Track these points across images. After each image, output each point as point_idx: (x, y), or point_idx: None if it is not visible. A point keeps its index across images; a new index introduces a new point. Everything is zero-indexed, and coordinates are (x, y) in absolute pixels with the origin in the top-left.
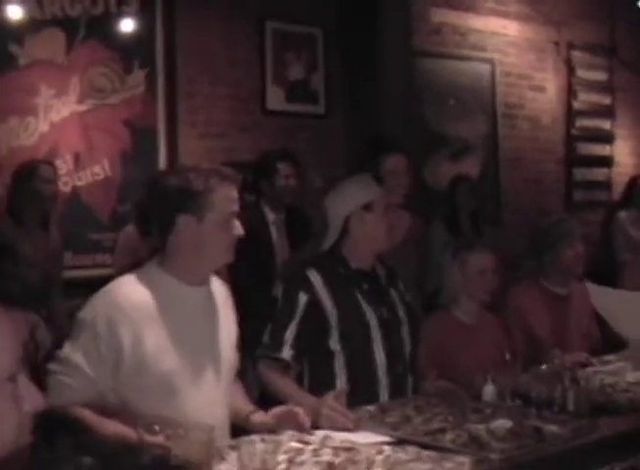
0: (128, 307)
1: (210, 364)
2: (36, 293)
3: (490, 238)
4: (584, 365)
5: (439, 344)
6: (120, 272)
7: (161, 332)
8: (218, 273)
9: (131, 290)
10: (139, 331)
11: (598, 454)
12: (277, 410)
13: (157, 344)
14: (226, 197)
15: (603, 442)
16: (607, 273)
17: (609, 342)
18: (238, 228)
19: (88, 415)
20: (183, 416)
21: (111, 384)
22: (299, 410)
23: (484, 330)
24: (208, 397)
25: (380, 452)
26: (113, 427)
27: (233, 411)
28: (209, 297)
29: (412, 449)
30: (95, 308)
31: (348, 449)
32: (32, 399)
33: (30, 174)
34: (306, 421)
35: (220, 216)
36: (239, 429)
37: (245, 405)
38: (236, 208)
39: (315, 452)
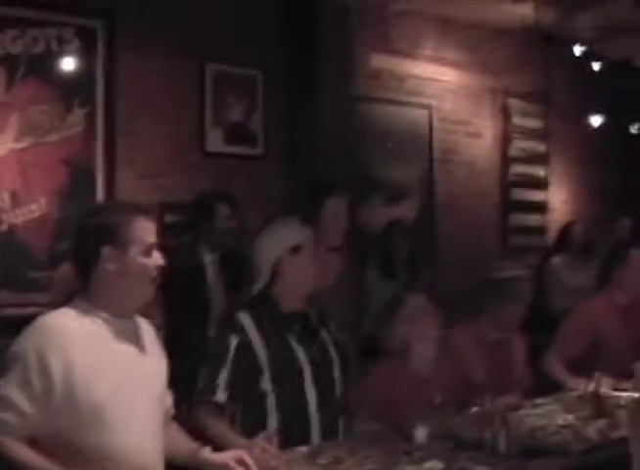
0: (58, 337)
1: (141, 397)
2: None
3: (426, 281)
4: (516, 408)
5: (386, 394)
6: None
7: (91, 362)
8: (151, 314)
9: (61, 321)
10: (69, 360)
11: None
12: (228, 454)
13: (86, 374)
14: (145, 229)
15: None
16: (539, 318)
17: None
18: (159, 259)
19: (23, 453)
20: (115, 448)
21: (43, 416)
22: (249, 458)
23: (436, 381)
24: (140, 429)
25: None
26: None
27: (175, 450)
28: (137, 332)
29: None
30: (25, 341)
31: None
32: None
33: None
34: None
35: (142, 248)
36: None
37: (188, 442)
38: (154, 239)
39: None
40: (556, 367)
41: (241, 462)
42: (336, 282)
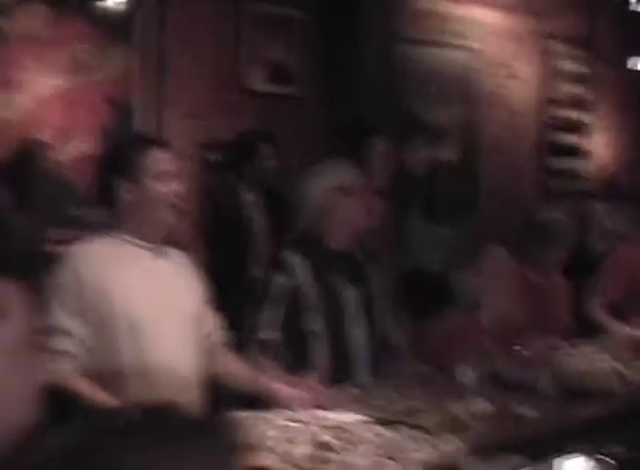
0: (92, 260)
1: (172, 316)
2: (29, 265)
3: (467, 224)
4: (558, 350)
5: (451, 338)
6: None
7: (125, 281)
8: (191, 251)
9: (93, 246)
10: (105, 281)
11: (572, 438)
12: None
13: (122, 291)
14: (159, 158)
15: (577, 425)
16: (581, 262)
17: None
18: (176, 186)
19: (82, 385)
20: (149, 363)
21: (93, 340)
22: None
23: (504, 332)
24: (173, 344)
25: (369, 430)
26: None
27: (237, 375)
28: (167, 256)
29: (400, 428)
30: (61, 268)
31: (339, 428)
32: (44, 370)
33: (41, 155)
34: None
35: (156, 176)
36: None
37: (249, 370)
38: (169, 167)
39: (305, 431)
40: (598, 311)
41: (300, 401)
42: (379, 224)
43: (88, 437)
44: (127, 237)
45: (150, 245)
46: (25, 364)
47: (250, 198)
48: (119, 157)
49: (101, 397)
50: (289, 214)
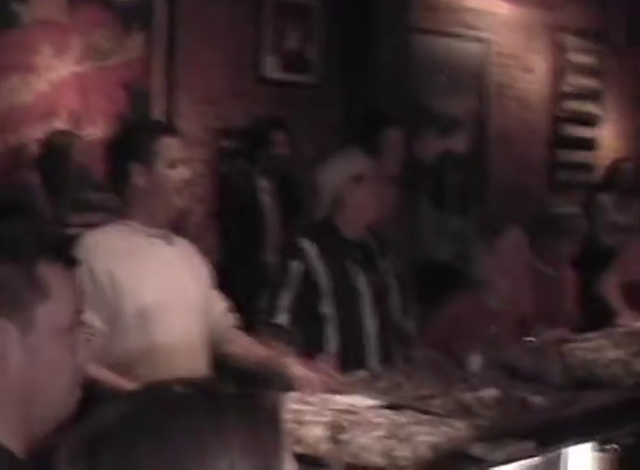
0: (102, 249)
1: (179, 304)
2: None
3: (475, 215)
4: (567, 341)
5: (458, 321)
6: None
7: (134, 269)
8: (205, 238)
9: (103, 235)
10: (114, 270)
11: (580, 426)
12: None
13: (132, 279)
14: (170, 145)
15: (585, 414)
16: (587, 255)
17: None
18: (184, 172)
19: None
20: (158, 350)
21: (108, 330)
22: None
23: (509, 314)
24: (179, 334)
25: (379, 415)
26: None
27: (251, 355)
28: (171, 241)
29: (410, 413)
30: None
31: (350, 412)
32: (84, 352)
33: (69, 147)
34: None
35: (167, 162)
36: None
37: (264, 349)
38: (178, 154)
39: (316, 413)
40: (611, 289)
41: (312, 383)
42: (392, 212)
43: (143, 407)
44: (136, 224)
45: (158, 231)
46: (71, 344)
47: (263, 184)
48: (132, 142)
49: (121, 382)
50: (301, 201)
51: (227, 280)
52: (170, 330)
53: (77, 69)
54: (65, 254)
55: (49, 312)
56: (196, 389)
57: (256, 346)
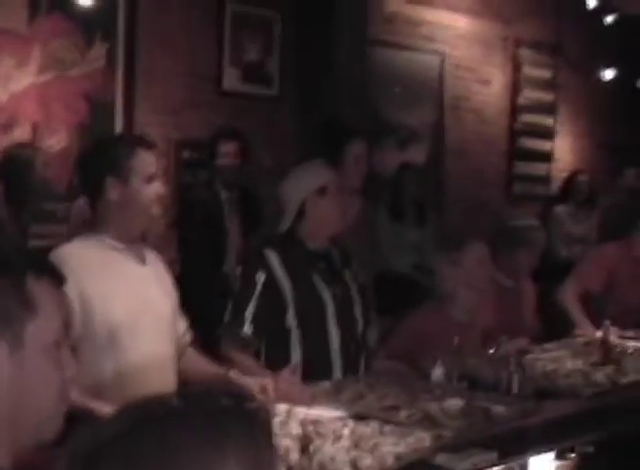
0: (72, 268)
1: (150, 320)
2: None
3: (433, 226)
4: (526, 352)
5: (421, 333)
6: None
7: (105, 289)
8: (166, 248)
9: (73, 252)
10: (85, 289)
11: (541, 436)
12: (253, 380)
13: (103, 300)
14: (146, 160)
15: (545, 423)
16: (544, 267)
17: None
18: (160, 188)
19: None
20: (129, 372)
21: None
22: (271, 386)
23: (473, 326)
24: (151, 354)
25: (345, 426)
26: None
27: (200, 372)
28: (143, 256)
29: (374, 424)
30: None
31: (314, 422)
32: (72, 367)
33: (32, 161)
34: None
35: (143, 177)
36: None
37: (213, 366)
38: (154, 169)
39: (283, 424)
40: (570, 299)
41: (263, 390)
42: (354, 224)
43: (142, 422)
44: (108, 238)
45: (130, 247)
46: (58, 360)
47: (224, 195)
48: (108, 156)
49: (95, 405)
50: (260, 213)
51: (188, 292)
52: (141, 350)
53: (38, 79)
54: (51, 269)
55: (37, 328)
56: (193, 402)
57: (211, 363)
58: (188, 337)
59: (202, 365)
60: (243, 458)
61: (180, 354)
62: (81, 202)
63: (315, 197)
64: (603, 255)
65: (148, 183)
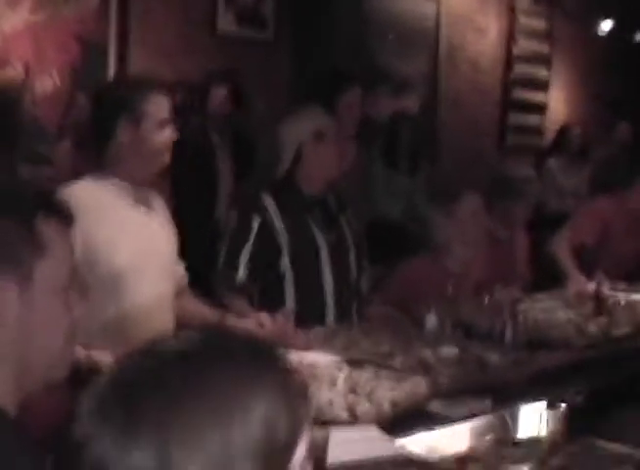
0: (78, 207)
1: (153, 267)
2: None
3: (427, 175)
4: (518, 301)
5: (416, 286)
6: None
7: (110, 232)
8: (162, 187)
9: (80, 191)
10: (89, 229)
11: (533, 385)
12: (249, 319)
13: (107, 243)
14: (159, 104)
15: (538, 374)
16: (536, 218)
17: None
18: (171, 133)
19: None
20: (132, 315)
21: None
22: (268, 321)
23: (466, 276)
24: (153, 298)
25: (340, 370)
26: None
27: (198, 315)
28: (148, 200)
29: (369, 369)
30: None
31: (310, 366)
32: (79, 309)
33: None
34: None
35: (155, 122)
36: None
37: (210, 309)
38: (167, 114)
39: None
40: (563, 251)
41: (260, 325)
42: (349, 171)
43: (156, 364)
44: (117, 180)
45: (138, 190)
46: (66, 301)
47: (216, 140)
48: (121, 98)
49: (96, 354)
50: (253, 158)
51: (181, 236)
52: (145, 293)
53: (31, 18)
54: (60, 210)
55: (47, 269)
56: (207, 342)
57: (208, 305)
58: (185, 280)
59: (199, 308)
60: (278, 391)
61: (178, 296)
62: (67, 144)
63: (312, 141)
64: (596, 208)
65: (160, 128)
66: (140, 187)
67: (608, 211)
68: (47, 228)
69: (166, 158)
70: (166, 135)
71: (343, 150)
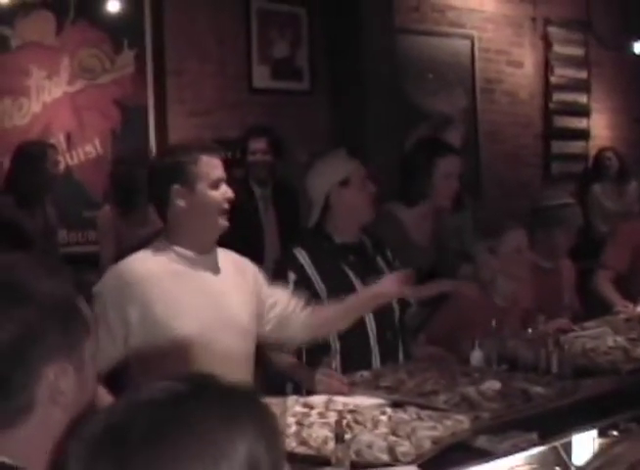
0: (136, 281)
1: (227, 330)
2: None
3: (472, 210)
4: (566, 332)
5: (461, 318)
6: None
7: (173, 299)
8: None
9: (139, 264)
10: (147, 302)
11: (581, 414)
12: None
13: (167, 311)
14: (211, 165)
15: (586, 402)
16: (584, 244)
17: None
18: (228, 192)
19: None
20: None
21: (122, 352)
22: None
23: (512, 310)
24: (230, 356)
25: (383, 413)
26: None
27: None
28: (217, 264)
29: (412, 410)
30: (105, 283)
31: (352, 411)
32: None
33: (42, 157)
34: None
35: (209, 183)
36: None
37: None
38: (221, 174)
39: (321, 415)
40: (605, 286)
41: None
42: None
43: (138, 410)
44: (180, 249)
45: (202, 256)
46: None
47: (257, 192)
48: (172, 164)
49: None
50: (297, 209)
51: None
52: (217, 358)
53: (69, 89)
54: (83, 286)
55: (90, 347)
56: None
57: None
58: (295, 301)
59: (330, 311)
60: (260, 435)
61: (289, 323)
62: (107, 208)
63: (339, 189)
64: (626, 232)
65: (215, 188)
66: (205, 252)
67: (635, 233)
68: (84, 307)
69: (225, 220)
70: (222, 194)
71: (374, 193)
